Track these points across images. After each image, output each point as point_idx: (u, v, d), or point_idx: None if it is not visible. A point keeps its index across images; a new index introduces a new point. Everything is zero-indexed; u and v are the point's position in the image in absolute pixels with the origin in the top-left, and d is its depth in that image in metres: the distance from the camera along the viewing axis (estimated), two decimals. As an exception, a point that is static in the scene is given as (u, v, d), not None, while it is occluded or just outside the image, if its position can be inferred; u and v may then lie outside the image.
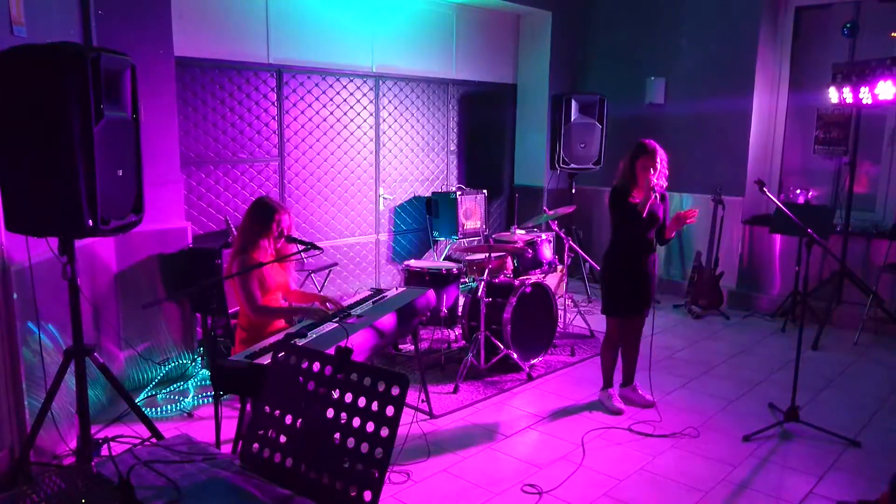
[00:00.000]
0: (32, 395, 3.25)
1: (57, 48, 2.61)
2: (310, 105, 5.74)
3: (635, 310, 4.22)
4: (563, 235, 5.71)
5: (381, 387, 1.70)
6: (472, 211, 6.61)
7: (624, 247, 4.16)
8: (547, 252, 5.48)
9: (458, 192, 6.51)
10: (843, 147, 6.25)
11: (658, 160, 3.96)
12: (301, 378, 1.85)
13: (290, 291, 3.78)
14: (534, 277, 5.20)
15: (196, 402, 4.26)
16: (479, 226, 6.67)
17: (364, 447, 1.67)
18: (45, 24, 3.44)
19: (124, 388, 3.38)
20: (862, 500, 3.16)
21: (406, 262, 5.36)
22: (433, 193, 6.68)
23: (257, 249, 3.50)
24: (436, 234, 6.62)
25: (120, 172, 2.84)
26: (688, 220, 3.99)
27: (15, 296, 3.10)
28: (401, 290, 4.05)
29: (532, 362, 4.93)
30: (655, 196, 3.95)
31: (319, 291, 5.42)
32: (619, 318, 4.23)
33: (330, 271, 5.68)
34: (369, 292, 4.00)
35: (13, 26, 3.08)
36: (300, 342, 2.90)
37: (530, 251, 5.29)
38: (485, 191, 6.79)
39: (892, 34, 5.98)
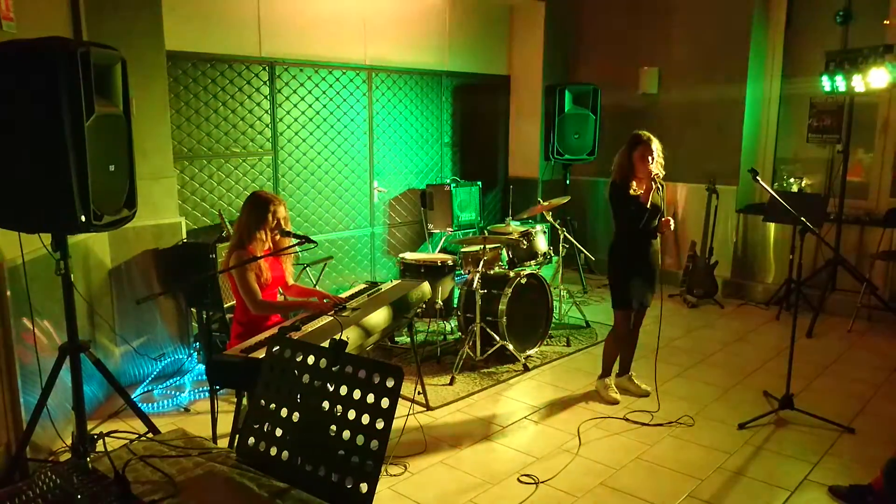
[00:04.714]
0: (28, 392, 3.24)
1: (46, 43, 2.58)
2: (303, 98, 5.72)
3: (646, 301, 4.23)
4: (557, 226, 5.71)
5: (376, 379, 1.70)
6: (466, 203, 6.60)
7: (629, 240, 4.15)
8: (542, 243, 5.48)
9: (453, 184, 6.51)
10: (836, 135, 6.26)
11: (654, 148, 3.97)
12: (296, 371, 1.85)
13: (287, 286, 3.77)
14: (529, 268, 5.21)
15: (192, 396, 4.26)
16: (473, 217, 6.67)
17: (360, 439, 1.67)
18: (34, 18, 3.41)
19: (120, 384, 3.38)
20: (854, 484, 3.18)
21: (401, 255, 5.36)
22: (428, 186, 6.67)
23: (254, 243, 3.49)
24: (430, 226, 6.62)
25: (112, 167, 2.82)
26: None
27: (8, 292, 3.09)
28: (396, 282, 4.05)
29: (528, 353, 4.95)
30: (655, 185, 3.96)
31: (315, 285, 5.41)
32: (630, 311, 4.23)
33: (325, 265, 5.68)
34: (365, 285, 4.00)
35: (2, 21, 3.06)
36: (295, 335, 2.90)
37: (525, 242, 5.29)
38: (479, 182, 6.78)
39: (885, 22, 5.99)
